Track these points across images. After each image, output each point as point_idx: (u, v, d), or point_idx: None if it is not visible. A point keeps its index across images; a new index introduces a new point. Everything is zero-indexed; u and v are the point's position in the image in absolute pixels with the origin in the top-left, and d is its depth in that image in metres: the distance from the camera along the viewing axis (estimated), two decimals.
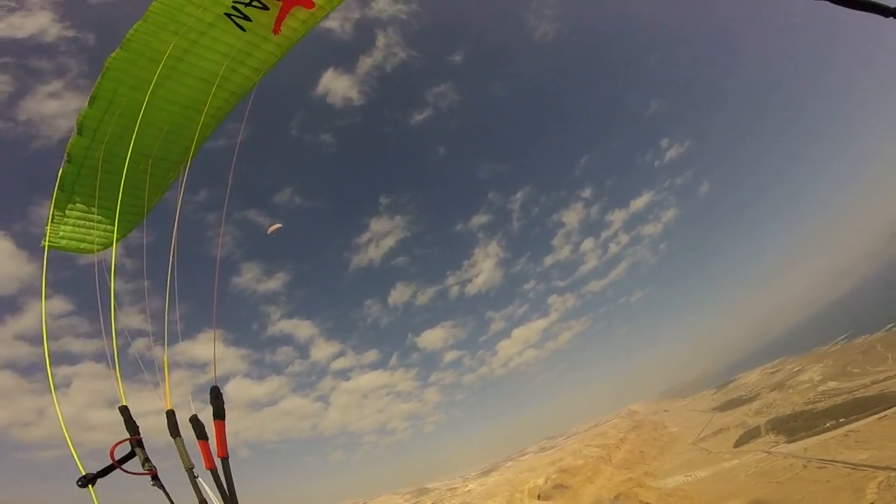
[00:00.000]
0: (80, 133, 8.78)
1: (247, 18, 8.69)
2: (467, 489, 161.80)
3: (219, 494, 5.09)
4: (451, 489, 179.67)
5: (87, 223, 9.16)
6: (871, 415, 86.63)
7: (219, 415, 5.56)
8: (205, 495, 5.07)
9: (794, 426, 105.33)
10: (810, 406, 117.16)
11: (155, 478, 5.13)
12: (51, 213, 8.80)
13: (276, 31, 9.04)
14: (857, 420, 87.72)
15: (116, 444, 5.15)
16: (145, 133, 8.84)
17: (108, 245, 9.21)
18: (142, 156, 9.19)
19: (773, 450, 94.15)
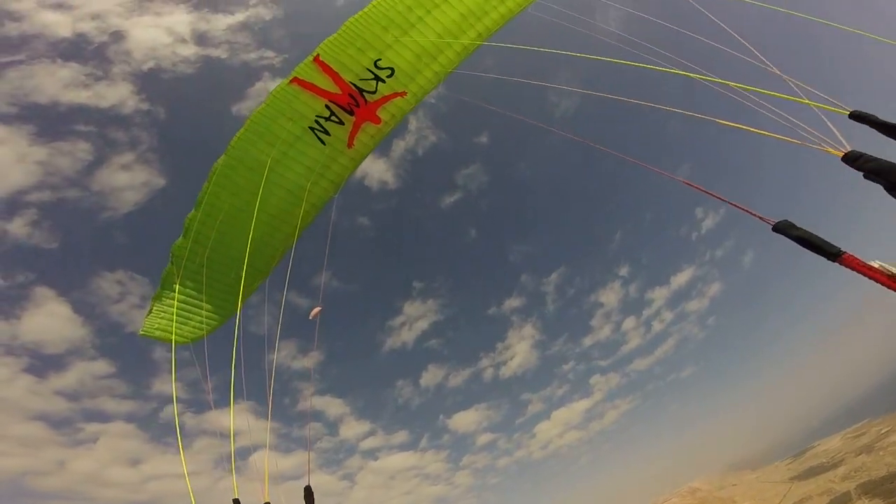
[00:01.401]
0: (184, 235, 9.54)
1: (326, 132, 9.53)
2: None
3: None
4: None
5: (181, 317, 10.09)
6: None
7: None
8: None
9: (892, 488, 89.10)
10: None
11: None
12: (150, 305, 9.80)
13: (349, 145, 9.93)
14: None
15: None
16: (241, 240, 9.54)
17: (195, 339, 10.06)
18: (235, 261, 9.91)
19: None
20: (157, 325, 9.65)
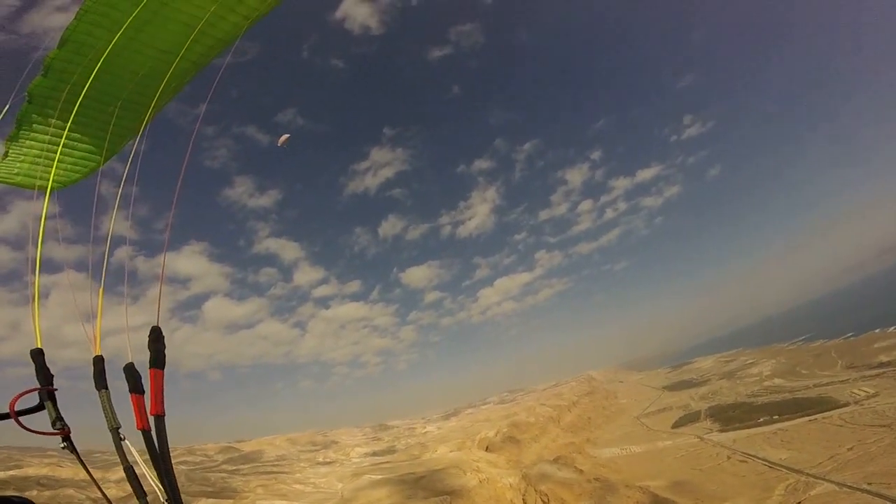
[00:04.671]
0: (45, 74, 8.28)
1: None
2: (425, 431, 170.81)
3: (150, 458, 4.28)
4: (409, 428, 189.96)
5: (44, 161, 9.01)
6: (803, 416, 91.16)
7: (157, 363, 4.50)
8: (131, 461, 4.23)
9: (730, 416, 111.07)
10: (751, 399, 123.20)
11: (67, 439, 4.20)
12: (6, 148, 8.82)
13: None
14: (788, 419, 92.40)
15: (21, 395, 4.18)
16: (117, 76, 8.53)
17: (64, 184, 9.07)
18: (110, 97, 8.89)
19: (705, 436, 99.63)
20: (17, 170, 9.04)
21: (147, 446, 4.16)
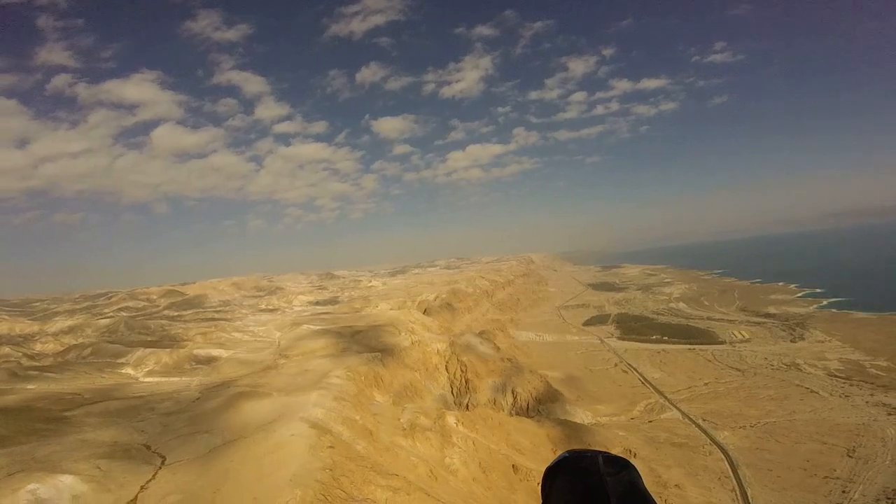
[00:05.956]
0: None
1: None
2: (370, 284, 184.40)
3: None
4: (355, 280, 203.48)
5: None
6: (686, 344, 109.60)
7: None
8: None
9: (631, 327, 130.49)
10: (654, 316, 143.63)
11: None
12: None
13: None
14: (674, 343, 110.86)
15: None
16: None
17: None
18: None
19: (605, 339, 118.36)
20: None
21: None
